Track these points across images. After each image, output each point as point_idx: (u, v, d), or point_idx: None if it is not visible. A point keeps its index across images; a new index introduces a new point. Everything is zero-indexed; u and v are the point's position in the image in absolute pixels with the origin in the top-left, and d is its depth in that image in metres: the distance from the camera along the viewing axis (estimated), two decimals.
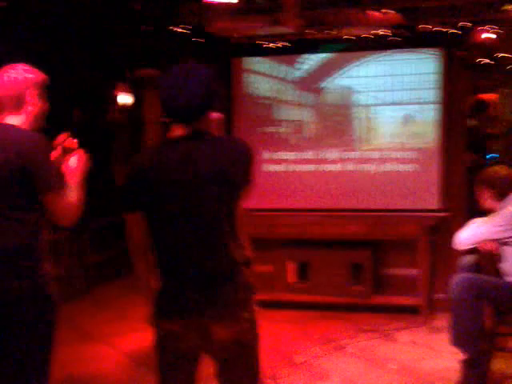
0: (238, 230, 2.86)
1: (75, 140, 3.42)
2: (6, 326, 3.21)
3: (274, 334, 6.04)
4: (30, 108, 3.27)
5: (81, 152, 3.43)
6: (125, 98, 7.35)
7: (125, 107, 7.42)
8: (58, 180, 3.19)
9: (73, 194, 3.27)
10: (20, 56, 3.43)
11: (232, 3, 5.83)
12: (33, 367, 3.26)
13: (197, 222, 2.77)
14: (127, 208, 2.93)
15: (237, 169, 2.80)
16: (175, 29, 6.46)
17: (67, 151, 3.40)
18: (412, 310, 6.54)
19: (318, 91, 7.19)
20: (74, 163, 3.38)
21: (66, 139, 3.41)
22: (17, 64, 3.30)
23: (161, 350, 2.91)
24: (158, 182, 2.79)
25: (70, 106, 3.22)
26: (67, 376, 5.12)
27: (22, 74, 3.25)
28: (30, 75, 3.27)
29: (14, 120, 3.25)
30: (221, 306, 2.79)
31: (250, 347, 2.88)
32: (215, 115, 2.93)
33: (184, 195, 2.76)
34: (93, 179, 3.62)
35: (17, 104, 3.24)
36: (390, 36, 6.75)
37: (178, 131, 2.83)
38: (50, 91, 3.39)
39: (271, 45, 7.04)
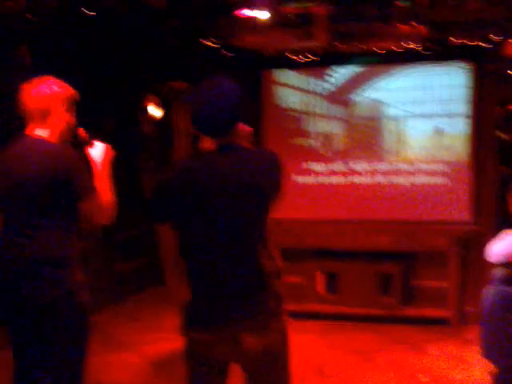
0: (267, 240, 2.88)
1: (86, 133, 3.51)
2: (40, 334, 3.27)
3: (304, 345, 6.00)
4: (56, 121, 3.34)
5: (103, 143, 3.52)
6: (155, 110, 7.42)
7: (155, 119, 7.49)
8: (91, 184, 3.27)
9: (105, 191, 3.36)
10: (55, 67, 3.49)
11: (263, 17, 5.88)
12: (67, 373, 3.31)
13: (227, 233, 2.79)
14: (158, 219, 2.97)
15: (266, 180, 2.82)
16: (206, 42, 6.52)
17: (83, 143, 3.48)
18: (442, 322, 6.52)
19: (348, 104, 7.21)
20: (98, 154, 3.46)
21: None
22: (47, 77, 3.38)
23: (191, 359, 2.93)
24: (187, 195, 2.81)
25: (102, 116, 3.27)
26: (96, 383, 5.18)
27: (51, 88, 3.33)
28: (58, 89, 3.35)
29: (41, 132, 3.32)
30: (251, 317, 2.80)
31: (280, 358, 2.89)
32: (244, 128, 2.97)
33: (214, 208, 2.78)
34: (122, 189, 3.68)
35: (44, 117, 3.32)
36: (420, 49, 6.75)
37: (207, 144, 2.87)
38: (82, 102, 3.47)
39: (301, 58, 7.07)
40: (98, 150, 3.48)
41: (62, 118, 3.36)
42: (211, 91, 2.85)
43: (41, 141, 3.30)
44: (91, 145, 3.49)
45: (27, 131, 3.36)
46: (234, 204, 2.78)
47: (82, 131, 3.48)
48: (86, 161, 3.41)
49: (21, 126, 3.39)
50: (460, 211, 6.84)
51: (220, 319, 2.83)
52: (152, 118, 7.33)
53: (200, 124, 2.86)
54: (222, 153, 2.83)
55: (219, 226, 2.80)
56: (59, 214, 3.26)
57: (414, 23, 6.28)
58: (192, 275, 2.91)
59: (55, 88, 3.34)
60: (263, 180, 2.81)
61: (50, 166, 3.20)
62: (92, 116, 3.48)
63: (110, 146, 3.52)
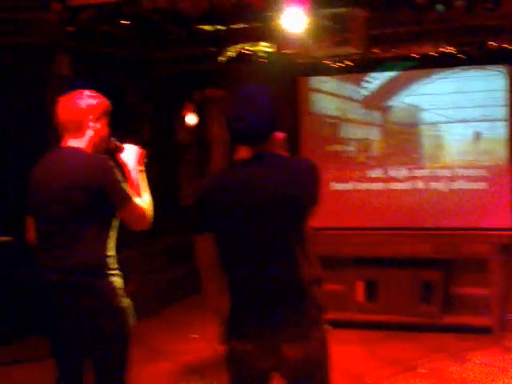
0: (307, 249, 2.85)
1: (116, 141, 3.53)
2: (81, 343, 3.29)
3: (344, 353, 5.94)
4: (90, 133, 3.37)
5: (132, 145, 3.53)
6: (192, 118, 7.45)
7: (191, 127, 7.52)
8: (127, 193, 3.28)
9: (140, 196, 3.38)
10: (94, 77, 3.53)
11: (300, 25, 5.87)
12: (110, 380, 3.32)
13: (264, 243, 2.79)
14: (196, 229, 2.96)
15: (303, 189, 2.80)
16: (240, 49, 6.53)
17: (114, 151, 3.50)
18: (484, 331, 6.41)
19: (385, 109, 7.17)
20: (130, 158, 3.48)
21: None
22: (82, 90, 3.41)
23: (232, 368, 2.93)
24: (224, 205, 2.81)
25: (139, 124, 3.30)
26: None
27: (85, 100, 3.36)
28: (93, 101, 3.38)
29: (76, 143, 3.35)
30: (291, 325, 2.78)
31: (320, 367, 2.87)
32: (279, 135, 2.96)
33: (252, 217, 2.77)
34: (160, 197, 3.70)
35: (78, 128, 3.34)
36: (457, 53, 6.68)
37: (243, 153, 2.86)
38: (119, 110, 3.49)
39: (337, 64, 7.04)
40: (129, 153, 3.50)
41: (96, 130, 3.38)
42: (247, 99, 2.84)
43: (76, 151, 3.33)
44: (122, 150, 3.51)
45: (62, 143, 3.39)
46: (271, 213, 2.76)
47: (113, 140, 3.51)
48: (121, 169, 3.43)
49: (57, 138, 3.43)
50: (501, 217, 6.74)
51: (260, 328, 2.81)
52: (188, 126, 7.36)
53: (236, 133, 2.85)
54: (258, 162, 2.82)
55: (256, 236, 2.79)
56: (96, 223, 3.27)
57: (450, 27, 6.23)
58: (232, 285, 2.90)
59: (89, 101, 3.37)
60: (299, 189, 2.79)
61: (85, 176, 3.22)
62: (129, 124, 3.48)
63: (140, 147, 3.54)
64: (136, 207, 3.31)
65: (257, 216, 2.77)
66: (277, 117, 2.85)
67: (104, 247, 3.31)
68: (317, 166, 2.89)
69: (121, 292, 3.34)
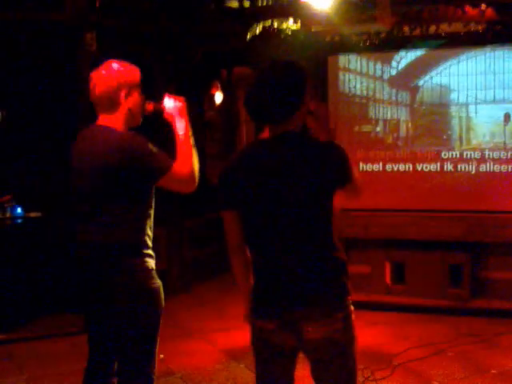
0: (332, 231, 2.81)
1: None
2: (113, 320, 3.28)
3: (371, 335, 5.97)
4: (124, 108, 3.31)
5: (172, 97, 3.43)
6: (219, 96, 7.41)
7: (219, 105, 7.49)
8: (164, 164, 3.22)
9: (187, 155, 3.29)
10: (121, 53, 3.47)
11: (327, 2, 5.81)
12: (140, 359, 3.30)
13: (292, 223, 2.74)
14: (223, 206, 2.90)
15: (329, 170, 2.72)
16: (270, 26, 6.46)
17: (157, 113, 3.42)
18: None
19: (415, 89, 7.07)
20: (173, 110, 3.39)
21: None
22: (110, 61, 3.33)
23: (257, 347, 2.91)
24: (248, 184, 2.77)
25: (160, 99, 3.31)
26: (166, 370, 5.21)
27: (116, 76, 3.28)
28: (123, 76, 3.29)
29: (110, 119, 3.30)
30: (313, 306, 2.74)
31: (343, 348, 2.81)
32: (315, 105, 2.84)
33: (277, 196, 2.72)
34: None
35: (111, 105, 3.29)
36: (488, 32, 6.56)
37: (266, 133, 2.80)
38: (148, 89, 3.43)
39: (367, 42, 6.94)
40: (170, 110, 3.39)
41: (130, 105, 3.32)
42: (268, 76, 2.75)
43: (107, 130, 3.29)
44: (162, 109, 3.41)
45: (98, 119, 3.35)
46: (293, 194, 2.71)
47: (149, 105, 3.43)
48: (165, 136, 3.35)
49: (88, 115, 3.39)
50: None
51: (282, 307, 2.78)
52: (216, 105, 7.33)
53: (252, 110, 2.78)
54: (282, 142, 2.75)
55: (278, 215, 2.74)
56: (130, 201, 3.24)
57: (480, 5, 6.12)
58: (256, 263, 2.87)
59: (120, 76, 3.29)
60: (325, 170, 2.72)
61: (115, 156, 3.18)
62: (155, 103, 3.42)
63: (182, 99, 3.41)
64: (177, 173, 3.23)
65: (281, 196, 2.72)
66: (301, 93, 2.75)
67: (141, 226, 3.28)
68: (342, 148, 2.80)
69: (153, 273, 3.31)
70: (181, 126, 3.36)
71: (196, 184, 3.31)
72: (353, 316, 2.83)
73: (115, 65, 3.32)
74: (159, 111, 3.43)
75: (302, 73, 2.78)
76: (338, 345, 2.79)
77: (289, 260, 2.76)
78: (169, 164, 3.22)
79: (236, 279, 2.96)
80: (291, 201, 2.72)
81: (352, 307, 2.84)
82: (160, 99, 3.44)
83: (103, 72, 3.30)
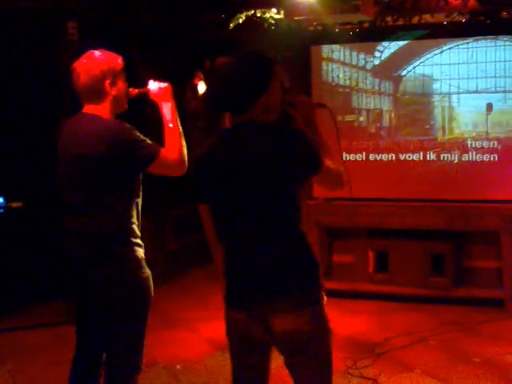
0: (302, 220, 2.79)
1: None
2: (102, 310, 3.29)
3: (355, 324, 5.98)
4: (108, 97, 3.30)
5: (157, 82, 3.44)
6: (202, 86, 7.40)
7: (202, 95, 7.48)
8: (151, 148, 3.22)
9: (171, 145, 3.28)
10: (103, 43, 3.46)
11: None
12: (128, 349, 3.30)
13: (256, 215, 2.72)
14: (196, 200, 2.92)
15: (291, 159, 2.68)
16: (252, 16, 6.45)
17: (142, 96, 3.44)
18: (495, 303, 6.39)
19: (398, 79, 7.08)
20: (158, 93, 3.39)
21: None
22: (92, 51, 3.33)
23: (230, 337, 2.92)
24: (214, 176, 2.76)
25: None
26: (151, 360, 5.19)
27: (99, 65, 3.27)
28: (106, 65, 3.29)
29: (95, 108, 3.30)
30: (281, 299, 2.74)
31: (315, 340, 2.80)
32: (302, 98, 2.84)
33: (240, 189, 2.71)
34: None
35: (96, 93, 3.29)
36: (470, 23, 6.58)
37: (228, 122, 2.82)
38: (132, 79, 3.42)
39: (350, 33, 6.94)
40: (155, 93, 3.39)
41: (114, 93, 3.32)
42: (227, 65, 2.72)
43: (93, 118, 3.28)
44: (147, 93, 3.42)
45: (83, 108, 3.35)
46: (258, 183, 2.69)
47: (132, 91, 3.43)
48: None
49: (70, 103, 3.38)
50: None
51: (250, 299, 2.78)
52: (199, 94, 7.32)
53: (214, 99, 2.79)
54: (242, 131, 2.74)
55: (242, 208, 2.73)
56: (118, 190, 3.24)
57: None
58: (226, 254, 2.87)
59: (103, 64, 3.28)
60: (278, 160, 2.67)
61: (102, 143, 3.18)
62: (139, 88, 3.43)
63: (166, 84, 3.42)
64: (166, 158, 3.24)
65: (246, 186, 2.71)
66: (261, 82, 2.71)
67: (129, 215, 3.29)
68: (305, 133, 2.75)
69: (143, 262, 3.31)
70: (167, 110, 3.36)
71: (186, 167, 3.31)
72: (325, 308, 2.82)
73: (97, 53, 3.32)
74: (144, 94, 3.42)
75: (262, 63, 2.75)
76: (308, 337, 2.77)
77: (255, 253, 2.76)
78: (157, 150, 3.22)
79: (218, 269, 2.96)
80: (254, 192, 2.70)
81: (325, 299, 2.82)
82: (144, 86, 3.44)
83: (86, 62, 3.29)
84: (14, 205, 6.29)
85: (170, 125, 3.33)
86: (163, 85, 3.40)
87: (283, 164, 2.67)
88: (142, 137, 3.23)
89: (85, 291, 3.33)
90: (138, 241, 3.33)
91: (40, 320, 6.22)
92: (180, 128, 3.36)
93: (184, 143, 3.34)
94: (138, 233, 3.34)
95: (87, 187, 3.24)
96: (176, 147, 3.29)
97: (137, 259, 3.28)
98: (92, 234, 3.24)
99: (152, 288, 3.35)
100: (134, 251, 3.28)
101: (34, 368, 5.29)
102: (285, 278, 2.74)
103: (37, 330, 6.08)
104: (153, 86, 3.41)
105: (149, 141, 3.24)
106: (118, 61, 3.35)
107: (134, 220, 3.31)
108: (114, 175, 3.21)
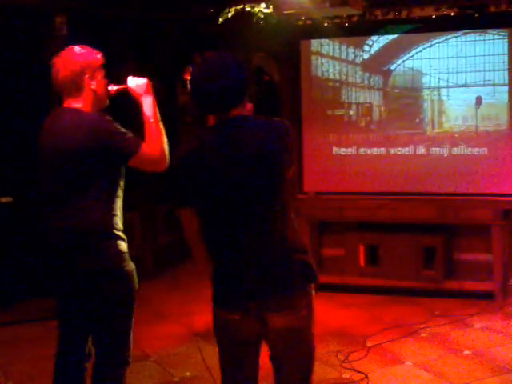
0: (289, 215, 2.80)
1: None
2: (86, 305, 3.27)
3: (345, 317, 6.01)
4: (88, 91, 3.30)
5: (134, 77, 3.42)
6: None
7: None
8: (132, 142, 3.21)
9: (151, 140, 3.27)
10: (92, 38, 3.46)
11: None
12: (114, 343, 3.30)
13: (244, 208, 2.73)
14: (176, 203, 2.91)
15: (279, 148, 2.72)
16: (243, 11, 6.44)
17: (121, 92, 3.43)
18: (486, 296, 6.41)
19: (387, 73, 7.08)
20: (137, 88, 3.37)
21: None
22: (71, 46, 3.34)
23: (220, 336, 2.92)
24: (200, 172, 2.75)
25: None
26: (141, 354, 5.22)
27: (78, 60, 3.27)
28: (86, 59, 3.29)
29: (75, 103, 3.30)
30: (276, 294, 2.76)
31: (306, 335, 2.86)
32: (247, 105, 2.86)
33: (228, 181, 2.71)
34: None
35: (75, 89, 3.29)
36: (459, 16, 6.59)
37: (210, 121, 2.82)
38: (117, 73, 3.41)
39: (339, 27, 6.94)
40: (135, 89, 3.38)
41: (94, 87, 3.32)
42: (211, 67, 2.73)
43: (74, 111, 3.29)
44: (127, 89, 3.41)
45: (63, 103, 3.34)
46: (247, 175, 2.70)
47: (112, 89, 3.43)
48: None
49: (58, 98, 3.38)
50: (503, 182, 6.68)
51: (244, 298, 2.78)
52: (188, 90, 7.31)
53: (198, 101, 2.76)
54: (230, 124, 2.75)
55: (234, 201, 2.73)
56: (100, 183, 3.23)
57: None
58: (213, 253, 2.86)
59: (82, 59, 3.29)
60: (275, 147, 2.71)
61: (83, 135, 3.18)
62: (118, 84, 3.43)
63: (144, 79, 3.40)
64: (146, 153, 3.23)
65: (233, 179, 2.71)
66: (244, 85, 2.75)
67: (111, 208, 3.27)
68: (288, 124, 2.81)
69: (126, 255, 3.30)
70: (147, 106, 3.34)
71: (167, 163, 3.28)
72: (313, 302, 2.86)
73: (77, 48, 3.32)
74: (124, 91, 3.42)
75: (244, 66, 2.79)
76: (302, 332, 2.83)
77: (245, 248, 2.75)
78: (138, 144, 3.21)
79: (198, 265, 2.95)
80: (244, 183, 2.71)
81: (313, 293, 2.85)
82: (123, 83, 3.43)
83: (65, 57, 3.30)
84: (3, 200, 6.28)
85: (151, 120, 3.32)
86: (142, 80, 3.39)
87: (276, 152, 2.70)
88: (122, 130, 3.22)
89: (68, 285, 3.31)
90: (121, 234, 3.31)
91: (31, 315, 6.20)
92: (161, 123, 3.34)
93: (165, 138, 3.32)
94: (121, 226, 3.33)
95: (69, 181, 3.23)
96: (157, 142, 3.28)
97: (120, 252, 3.27)
98: (74, 227, 3.23)
99: (136, 281, 3.34)
100: (117, 244, 3.27)
101: (26, 362, 5.28)
102: (279, 274, 2.74)
103: (28, 325, 6.06)
104: (131, 82, 3.40)
105: (130, 134, 3.24)
106: (98, 56, 3.36)
107: (117, 213, 3.30)
108: (94, 168, 3.19)
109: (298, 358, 2.87)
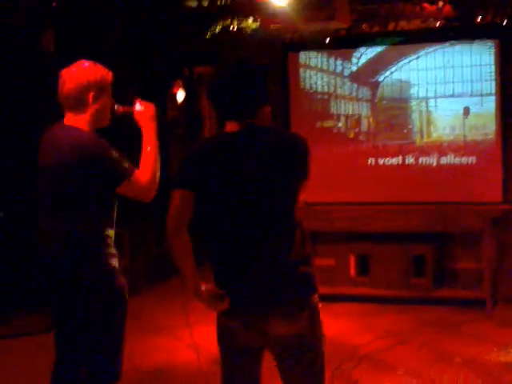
0: (298, 225, 2.81)
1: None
2: (78, 319, 3.28)
3: (337, 327, 6.01)
4: (91, 109, 3.28)
5: (143, 102, 3.42)
6: (181, 95, 7.44)
7: (181, 104, 7.51)
8: (125, 168, 3.21)
9: (145, 170, 3.28)
10: (80, 53, 3.46)
11: (286, 0, 5.85)
12: (105, 358, 3.31)
13: (257, 215, 2.74)
14: (177, 184, 2.82)
15: (294, 162, 2.76)
16: (230, 25, 6.50)
17: (127, 115, 3.42)
18: (476, 304, 6.44)
19: (375, 85, 7.15)
20: (141, 115, 3.38)
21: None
22: (80, 62, 3.30)
23: (222, 344, 2.92)
24: (213, 170, 2.76)
25: (127, 101, 3.29)
26: (133, 367, 5.17)
27: (86, 76, 3.25)
28: (94, 77, 3.26)
29: (77, 119, 3.28)
30: (278, 303, 2.76)
31: (309, 345, 2.83)
32: (265, 109, 2.90)
33: (244, 190, 2.73)
34: None
35: (78, 105, 3.26)
36: (446, 28, 6.67)
37: (231, 127, 2.81)
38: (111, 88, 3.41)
39: (327, 39, 7.00)
40: (140, 114, 3.38)
41: (98, 106, 3.29)
42: (234, 72, 2.79)
43: (70, 129, 3.27)
44: (132, 113, 3.40)
45: (64, 119, 3.33)
46: (262, 185, 2.73)
47: (119, 109, 3.42)
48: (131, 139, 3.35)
49: (48, 114, 3.37)
50: (491, 191, 6.74)
51: (246, 306, 2.79)
52: (178, 103, 7.36)
53: (222, 106, 2.80)
54: (249, 133, 2.77)
55: (245, 207, 2.74)
56: (91, 203, 3.23)
57: (438, 1, 6.21)
58: (217, 260, 2.86)
59: (90, 76, 3.25)
60: (292, 161, 2.75)
61: (73, 151, 3.17)
62: (117, 102, 3.42)
63: (151, 104, 3.41)
64: (138, 180, 3.23)
65: (247, 187, 2.73)
66: (266, 90, 2.82)
67: (103, 227, 3.27)
68: (306, 140, 2.84)
69: (116, 271, 3.31)
70: (149, 133, 3.35)
71: (154, 193, 3.30)
72: (320, 313, 2.85)
73: (87, 64, 3.29)
74: (129, 114, 3.41)
75: (265, 71, 2.84)
76: (305, 342, 2.80)
77: (251, 256, 2.76)
78: (130, 170, 3.21)
79: (177, 261, 2.86)
80: (258, 192, 2.73)
81: (319, 304, 2.85)
82: (128, 102, 3.43)
83: (74, 70, 3.27)
84: None
85: (148, 148, 3.32)
86: (149, 106, 3.39)
87: (289, 167, 2.73)
88: (117, 155, 3.20)
89: (59, 300, 3.32)
90: (112, 250, 3.31)
91: (26, 329, 6.19)
92: (158, 153, 3.33)
93: (158, 168, 3.32)
94: (112, 243, 3.32)
95: (61, 198, 3.24)
96: (150, 171, 3.27)
97: (110, 269, 3.27)
98: (66, 244, 3.24)
99: (127, 297, 3.33)
100: (108, 261, 3.27)
101: (21, 376, 5.25)
102: (282, 284, 2.75)
103: (23, 339, 6.05)
104: (139, 106, 3.39)
105: (124, 160, 3.22)
106: (107, 75, 3.32)
107: (109, 231, 3.30)
108: (85, 188, 3.19)
109: (306, 369, 2.85)
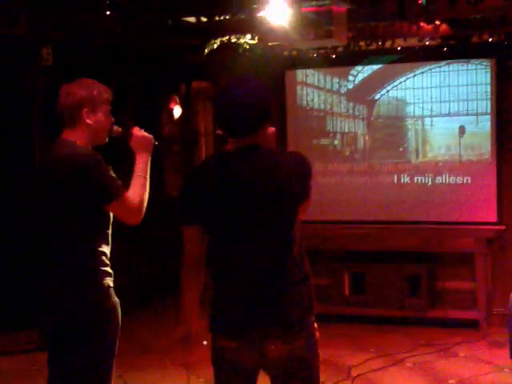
0: (297, 245, 2.80)
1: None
2: (68, 342, 3.24)
3: (331, 347, 5.94)
4: (84, 125, 3.26)
5: (142, 133, 3.39)
6: (177, 110, 7.43)
7: (177, 119, 7.51)
8: (116, 188, 3.18)
9: (139, 189, 3.26)
10: (77, 68, 3.45)
11: (284, 17, 5.85)
12: (96, 376, 3.28)
13: (257, 237, 2.74)
14: (185, 221, 2.89)
15: (296, 182, 2.74)
16: (227, 41, 6.51)
17: (121, 137, 3.40)
18: (470, 325, 6.45)
19: (371, 103, 7.15)
20: (136, 144, 3.35)
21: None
22: (80, 79, 3.30)
23: (217, 365, 2.89)
24: (213, 195, 2.75)
25: (123, 117, 3.28)
26: None
27: (80, 91, 3.24)
28: (87, 92, 3.24)
29: (71, 135, 3.26)
30: (276, 324, 2.74)
31: (306, 366, 2.81)
32: (270, 128, 2.89)
33: (244, 209, 2.73)
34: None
35: (70, 118, 3.25)
36: (442, 47, 6.69)
37: (233, 144, 2.80)
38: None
39: (324, 57, 7.02)
40: (137, 141, 3.35)
41: (92, 122, 3.26)
42: (239, 90, 2.78)
43: (66, 142, 3.25)
44: (129, 137, 3.37)
45: (62, 134, 3.31)
46: (263, 206, 2.72)
47: (117, 130, 3.39)
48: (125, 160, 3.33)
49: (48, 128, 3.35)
50: (486, 211, 6.74)
51: (243, 326, 2.77)
52: (174, 118, 7.35)
53: (227, 124, 2.79)
54: (249, 153, 2.76)
55: (248, 230, 2.74)
56: (85, 220, 3.19)
57: (434, 21, 6.23)
58: (216, 279, 2.85)
59: (84, 91, 3.24)
60: (293, 182, 2.74)
61: (64, 166, 3.14)
62: (116, 118, 3.40)
63: (150, 136, 3.38)
64: (126, 202, 3.20)
65: (248, 208, 2.72)
66: (268, 108, 2.80)
67: (97, 243, 3.24)
68: (308, 160, 2.84)
69: (110, 291, 3.28)
70: (142, 162, 3.32)
71: (141, 218, 3.28)
72: (317, 333, 2.84)
73: (84, 80, 3.28)
74: (126, 138, 3.39)
75: (266, 88, 2.82)
76: (302, 362, 2.78)
77: (250, 276, 2.75)
78: (120, 191, 3.18)
79: (186, 293, 2.91)
80: (259, 214, 2.72)
81: (315, 325, 2.84)
82: (126, 116, 3.41)
83: (72, 85, 3.26)
84: None
85: (140, 174, 3.31)
86: (147, 136, 3.37)
87: (290, 186, 2.72)
88: (109, 173, 3.18)
89: (52, 319, 3.27)
90: (107, 269, 3.27)
91: (14, 347, 6.14)
92: (148, 181, 3.32)
93: (146, 196, 3.30)
94: (107, 261, 3.29)
95: (55, 214, 3.21)
96: (139, 195, 3.25)
97: (104, 287, 3.23)
98: (60, 261, 3.21)
99: (119, 317, 3.29)
100: (102, 280, 3.23)
101: None
102: (280, 304, 2.74)
103: (12, 357, 6.01)
104: (137, 133, 3.37)
105: (115, 180, 3.20)
106: (104, 92, 3.29)
107: (103, 249, 3.27)
108: (78, 205, 3.16)
109: None
